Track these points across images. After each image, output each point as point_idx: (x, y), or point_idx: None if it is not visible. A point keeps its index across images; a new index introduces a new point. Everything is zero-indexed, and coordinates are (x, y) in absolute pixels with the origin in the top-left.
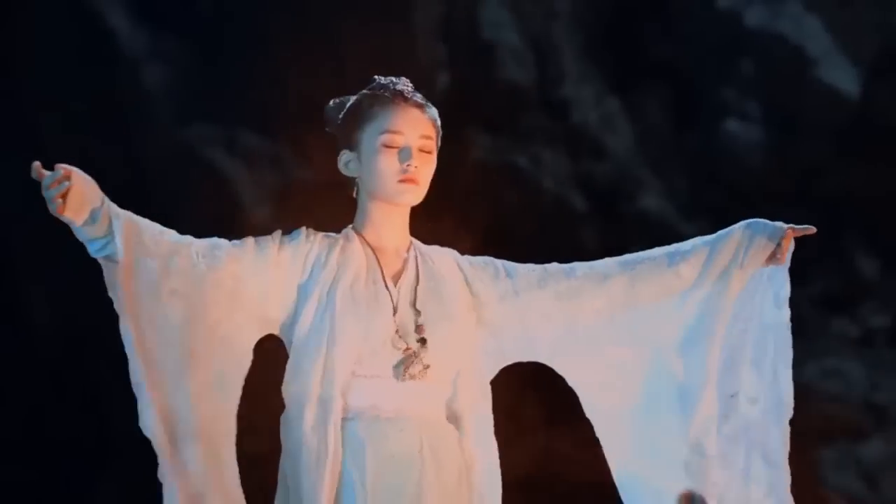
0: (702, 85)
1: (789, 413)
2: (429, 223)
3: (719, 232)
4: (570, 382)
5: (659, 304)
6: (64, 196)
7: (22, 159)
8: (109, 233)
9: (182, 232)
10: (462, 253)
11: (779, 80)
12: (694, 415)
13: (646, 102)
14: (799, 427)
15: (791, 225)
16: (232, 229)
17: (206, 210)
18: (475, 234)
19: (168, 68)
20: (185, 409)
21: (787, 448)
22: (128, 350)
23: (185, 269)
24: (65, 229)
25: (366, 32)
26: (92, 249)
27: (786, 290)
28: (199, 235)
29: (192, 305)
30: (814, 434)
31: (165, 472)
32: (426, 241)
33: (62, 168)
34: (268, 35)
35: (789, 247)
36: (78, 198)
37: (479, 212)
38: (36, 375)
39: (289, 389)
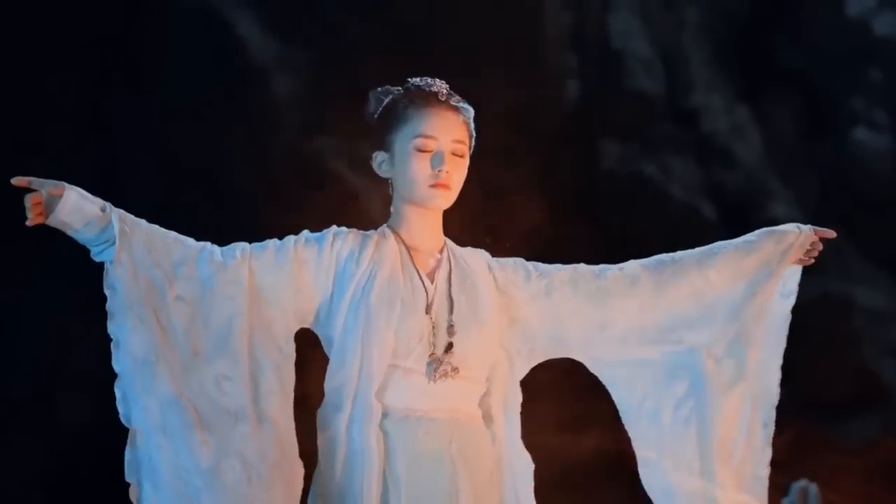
0: (830, 93)
1: (774, 400)
2: (560, 231)
3: (747, 238)
4: (603, 380)
5: (687, 306)
6: (39, 208)
7: (155, 166)
8: (108, 239)
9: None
10: (589, 261)
11: None
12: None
13: (774, 111)
14: None
15: (814, 227)
16: None
17: (332, 220)
18: (606, 243)
19: (296, 78)
20: (195, 398)
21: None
22: (120, 347)
23: (191, 275)
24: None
25: (495, 42)
26: (93, 253)
27: (795, 282)
28: None
29: (200, 311)
30: None
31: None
32: (558, 247)
33: (49, 189)
34: (396, 44)
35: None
36: (67, 208)
37: (609, 220)
38: None
39: (330, 384)
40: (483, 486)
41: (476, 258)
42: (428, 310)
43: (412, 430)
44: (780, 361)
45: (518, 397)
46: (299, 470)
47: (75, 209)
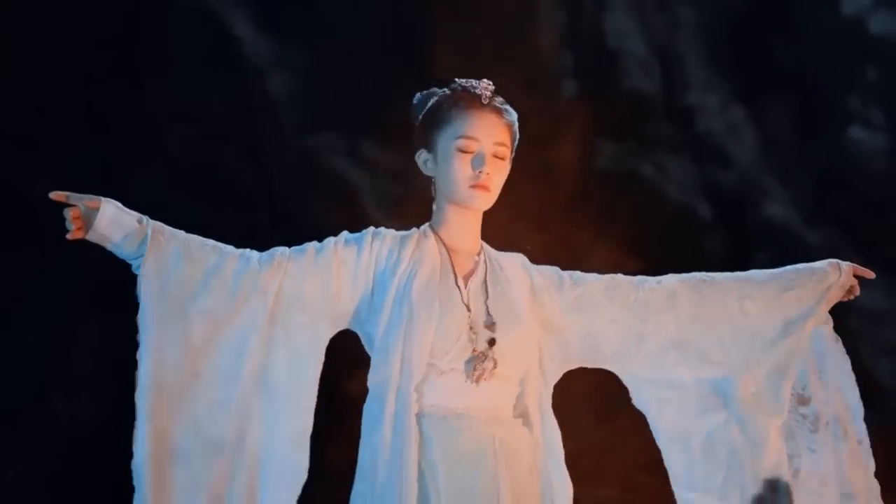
0: (826, 92)
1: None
2: (555, 230)
3: (786, 271)
4: (636, 400)
5: (722, 330)
6: (79, 222)
7: (153, 167)
8: (145, 252)
9: (308, 239)
10: (590, 263)
11: None
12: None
13: (770, 110)
14: None
15: (853, 265)
16: None
17: (330, 218)
18: (601, 243)
19: (293, 76)
20: (181, 428)
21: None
22: (140, 366)
23: (222, 284)
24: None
25: (491, 42)
26: (133, 267)
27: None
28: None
29: (220, 322)
30: None
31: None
32: (550, 249)
33: (86, 202)
34: (391, 43)
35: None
36: (105, 220)
37: (603, 219)
38: None
39: (372, 380)
40: (523, 486)
41: (512, 262)
42: (467, 310)
43: (453, 427)
44: (852, 379)
45: (550, 400)
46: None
47: (113, 222)
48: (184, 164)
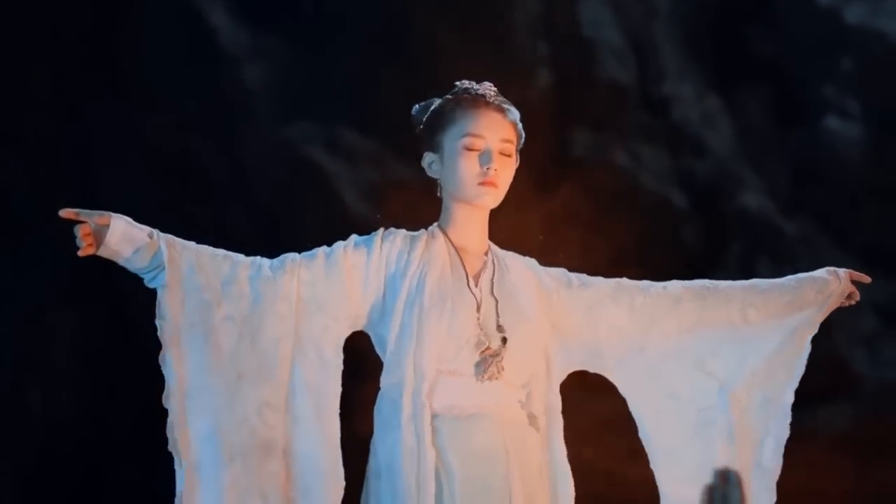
0: (802, 82)
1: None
2: (531, 220)
3: (787, 281)
4: (631, 407)
5: (722, 337)
6: (90, 239)
7: (130, 158)
8: (159, 265)
9: (285, 229)
10: (563, 254)
11: (878, 77)
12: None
13: (746, 100)
14: None
15: (849, 271)
16: (333, 227)
17: (308, 208)
18: (575, 232)
19: (269, 67)
20: (235, 429)
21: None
22: (168, 380)
23: (241, 293)
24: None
25: (466, 31)
26: (146, 280)
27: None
28: (301, 232)
29: (249, 329)
30: None
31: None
32: (527, 239)
33: (95, 218)
34: (368, 33)
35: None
36: (116, 236)
37: (579, 209)
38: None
39: (386, 381)
40: (534, 486)
41: (518, 261)
42: (477, 310)
43: (466, 427)
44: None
45: (559, 399)
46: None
47: (124, 237)
48: (160, 154)
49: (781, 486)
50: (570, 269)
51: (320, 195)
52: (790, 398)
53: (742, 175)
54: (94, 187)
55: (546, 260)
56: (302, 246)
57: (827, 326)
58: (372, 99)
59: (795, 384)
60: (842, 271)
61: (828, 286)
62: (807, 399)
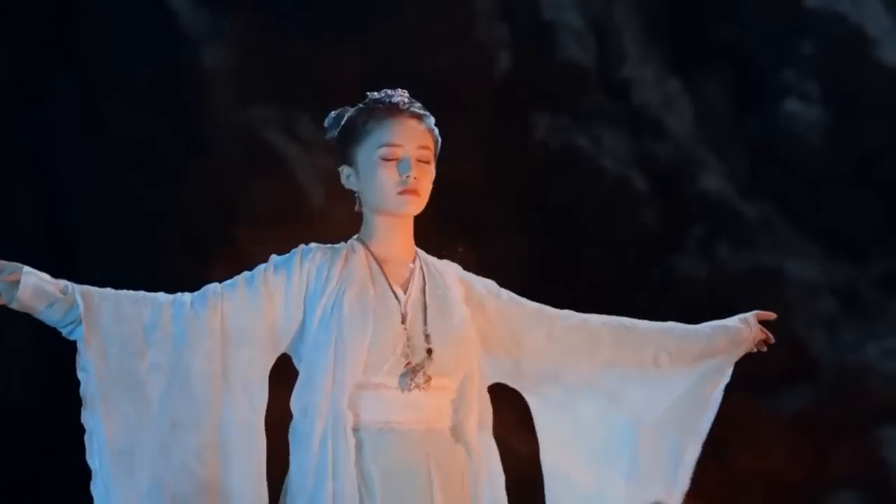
0: (762, 66)
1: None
2: (492, 202)
3: (700, 328)
4: (538, 429)
5: (632, 374)
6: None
7: (86, 140)
8: (74, 319)
9: (242, 212)
10: (525, 236)
11: (839, 60)
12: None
13: (706, 83)
14: (861, 407)
15: (756, 313)
16: (289, 210)
17: (265, 191)
18: (537, 215)
19: (228, 49)
20: (175, 479)
21: None
22: (94, 439)
23: (164, 337)
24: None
25: (426, 12)
26: (64, 334)
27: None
28: (258, 215)
29: (177, 375)
30: (875, 414)
31: None
32: (488, 221)
33: (4, 277)
34: (328, 16)
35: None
36: (27, 292)
37: (540, 192)
38: None
39: (299, 402)
40: (456, 498)
41: (447, 268)
42: (403, 320)
43: (388, 443)
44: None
45: (489, 408)
46: None
47: (35, 293)
48: (117, 136)
49: (740, 467)
50: (533, 254)
51: (278, 179)
52: (701, 438)
53: (702, 158)
54: (51, 166)
55: (506, 242)
56: (257, 225)
57: (786, 310)
58: (331, 83)
59: (706, 427)
60: (751, 317)
61: (739, 335)
62: (766, 382)
